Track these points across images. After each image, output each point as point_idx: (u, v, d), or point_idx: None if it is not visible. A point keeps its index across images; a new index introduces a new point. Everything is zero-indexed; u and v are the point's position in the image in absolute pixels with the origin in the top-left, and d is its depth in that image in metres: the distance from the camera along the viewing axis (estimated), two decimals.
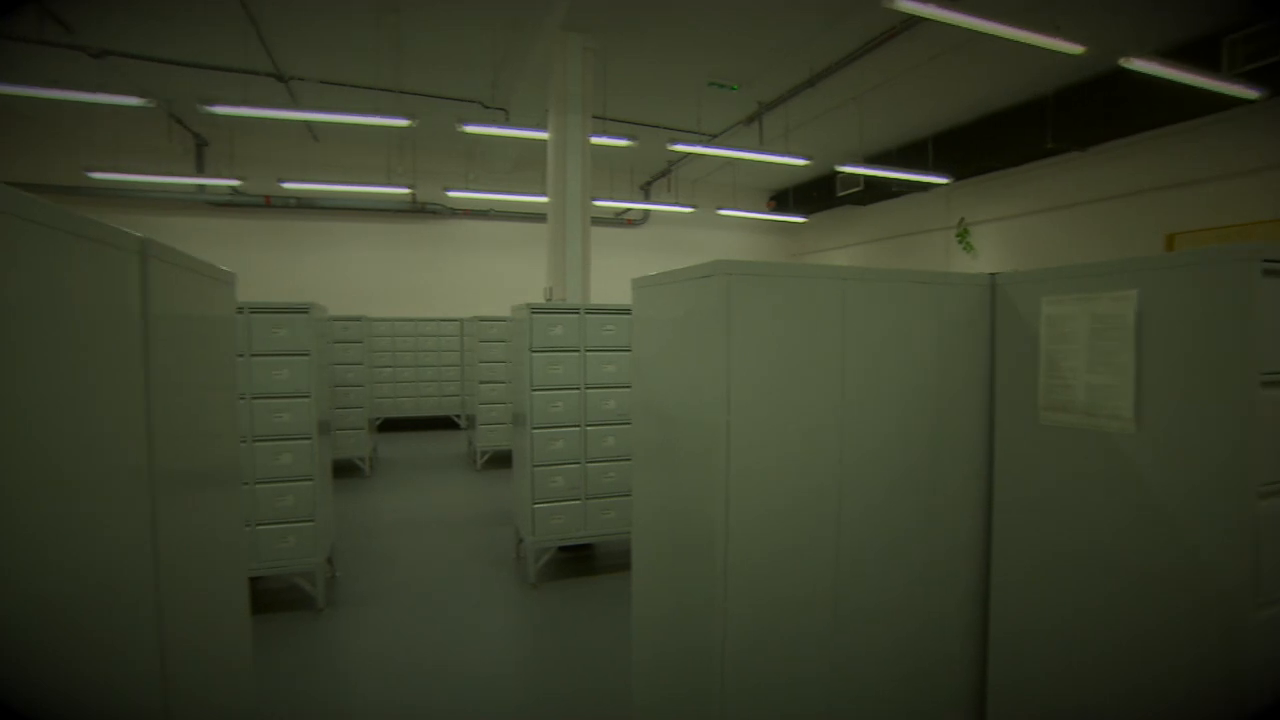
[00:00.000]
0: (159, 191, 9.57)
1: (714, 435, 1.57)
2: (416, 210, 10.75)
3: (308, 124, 9.24)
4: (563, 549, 4.41)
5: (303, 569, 3.49)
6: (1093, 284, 1.54)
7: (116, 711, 1.10)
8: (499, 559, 4.42)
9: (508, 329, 6.80)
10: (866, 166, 8.90)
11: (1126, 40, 5.44)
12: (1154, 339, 1.41)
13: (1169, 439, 1.39)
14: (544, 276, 6.34)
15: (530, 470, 3.83)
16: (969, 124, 8.56)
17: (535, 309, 3.84)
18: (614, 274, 9.49)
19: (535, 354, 3.82)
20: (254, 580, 3.68)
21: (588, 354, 3.94)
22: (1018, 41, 4.68)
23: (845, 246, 12.58)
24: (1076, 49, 4.85)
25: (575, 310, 3.92)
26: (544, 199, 6.43)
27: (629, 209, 12.02)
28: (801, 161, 8.11)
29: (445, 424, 9.77)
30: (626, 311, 4.02)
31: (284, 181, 9.11)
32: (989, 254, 9.57)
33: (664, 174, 11.44)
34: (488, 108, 8.25)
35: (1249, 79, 5.48)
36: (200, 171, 9.61)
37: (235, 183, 9.36)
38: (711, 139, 9.11)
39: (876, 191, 10.09)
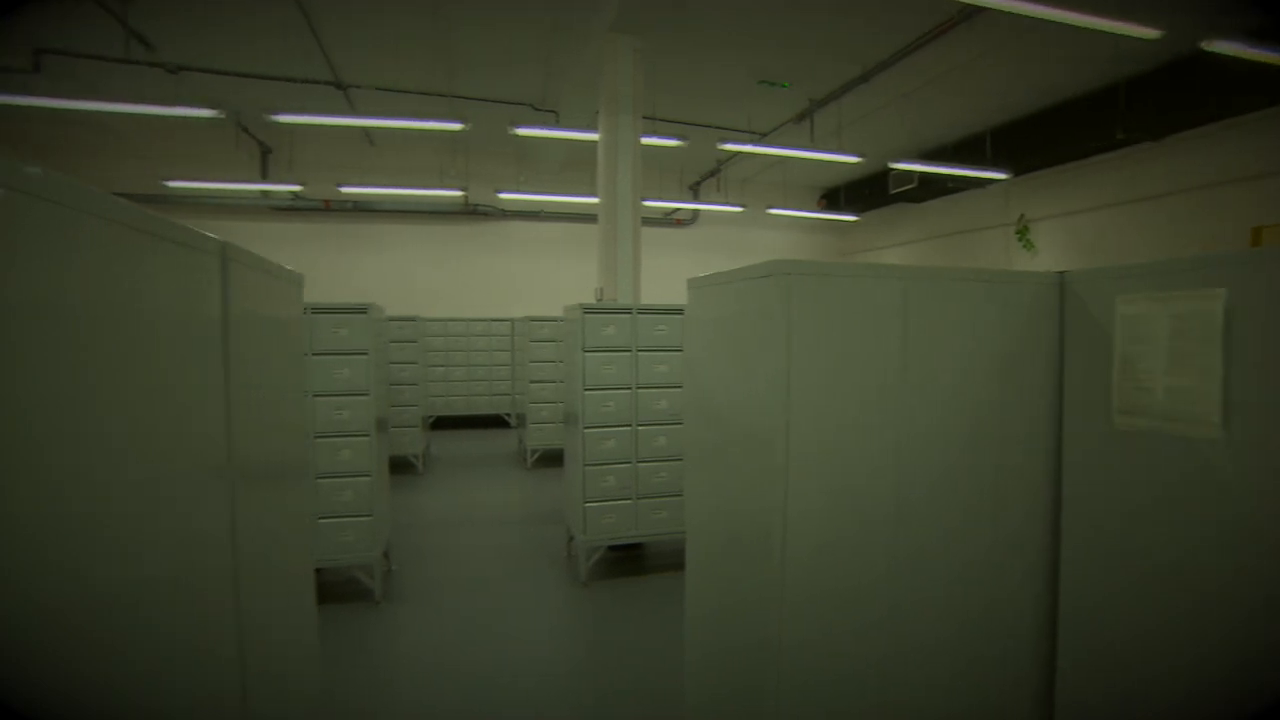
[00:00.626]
0: (227, 197, 10.02)
1: (772, 436, 1.56)
2: (468, 212, 10.97)
3: (364, 130, 9.52)
4: (613, 548, 4.42)
5: (361, 562, 3.60)
6: (1173, 281, 1.47)
7: (200, 690, 1.15)
8: (550, 557, 4.47)
9: (558, 329, 6.87)
10: (921, 163, 8.68)
11: (1204, 22, 5.17)
12: (1241, 339, 1.34)
13: (1258, 444, 1.31)
14: (594, 277, 6.39)
15: (582, 469, 3.86)
16: (1030, 116, 8.25)
17: (588, 309, 3.87)
18: (663, 274, 9.50)
19: (588, 354, 3.85)
20: (316, 571, 3.81)
21: (639, 354, 3.95)
22: (1086, 28, 4.48)
23: (898, 245, 12.30)
24: (1152, 33, 4.62)
25: (627, 310, 3.94)
26: (594, 199, 6.47)
27: (678, 209, 12.01)
28: (853, 159, 7.97)
29: (496, 422, 9.93)
30: (678, 311, 4.02)
31: (342, 186, 9.42)
32: (1050, 252, 9.22)
33: (713, 173, 11.38)
34: (538, 110, 8.36)
35: None
36: (264, 178, 10.01)
37: (296, 188, 9.72)
38: (761, 137, 9.03)
39: (931, 188, 9.83)
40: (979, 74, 7.10)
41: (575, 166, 10.62)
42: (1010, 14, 4.36)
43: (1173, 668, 1.47)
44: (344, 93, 7.79)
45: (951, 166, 8.54)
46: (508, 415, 9.55)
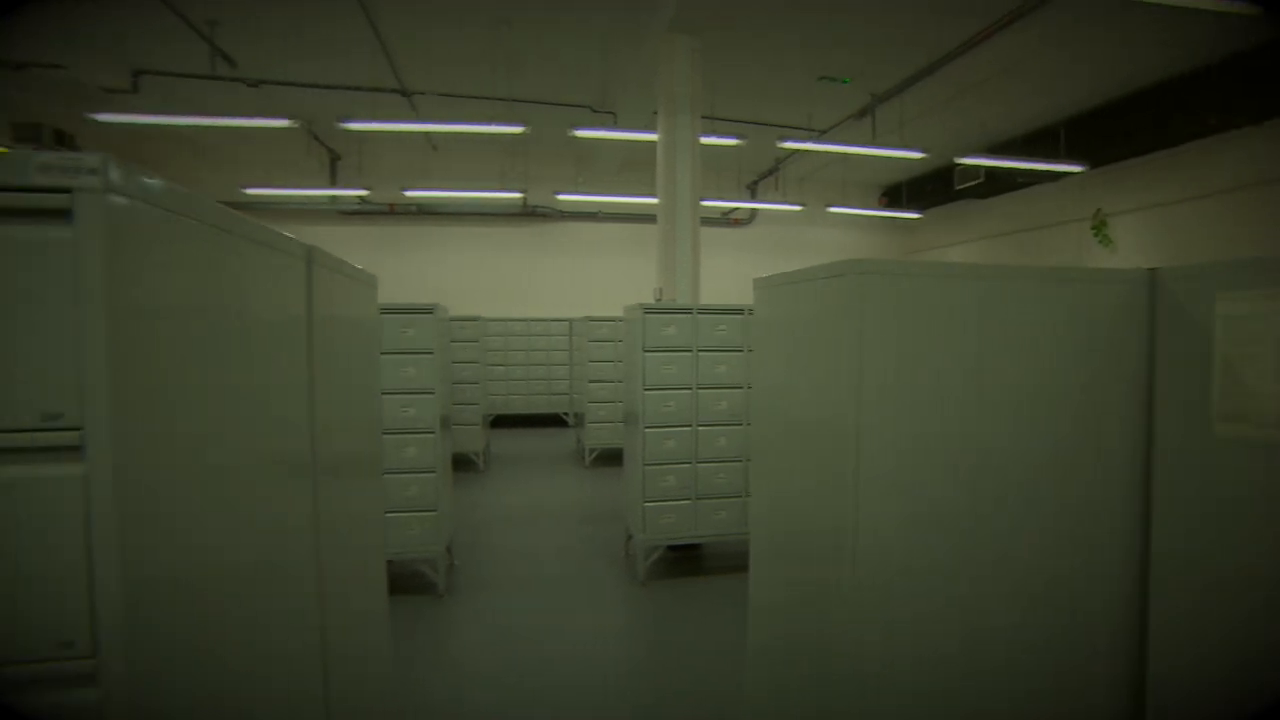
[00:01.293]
0: (299, 203, 10.46)
1: (843, 439, 1.52)
2: (527, 213, 11.15)
3: (427, 135, 9.79)
4: (672, 548, 4.42)
5: (425, 556, 3.69)
6: None
7: (285, 668, 1.20)
8: (608, 555, 4.50)
9: (616, 329, 6.91)
10: (989, 157, 8.37)
11: None
12: None
13: None
14: (651, 277, 6.40)
15: (642, 469, 3.87)
16: (1109, 105, 7.84)
17: (648, 309, 3.88)
18: (721, 274, 9.44)
19: (648, 354, 3.86)
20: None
21: (700, 354, 3.93)
22: (1179, 6, 4.20)
23: (963, 243, 11.90)
24: (1252, 9, 4.31)
25: (688, 310, 3.93)
26: (651, 200, 6.48)
27: (736, 208, 11.91)
28: (917, 155, 7.76)
29: (554, 421, 10.05)
30: (739, 312, 3.99)
31: (406, 190, 9.70)
32: (1130, 247, 8.75)
33: (771, 172, 11.24)
34: (596, 111, 8.42)
35: None
36: (333, 183, 10.42)
37: (364, 192, 10.07)
38: (821, 135, 8.87)
39: (998, 184, 9.47)
40: (1053, 61, 6.80)
41: (633, 167, 10.66)
42: None
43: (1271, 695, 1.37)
44: (409, 99, 8.02)
45: (1022, 160, 8.20)
46: (565, 414, 9.65)
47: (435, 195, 10.34)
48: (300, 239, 1.29)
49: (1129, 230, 8.79)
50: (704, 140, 6.25)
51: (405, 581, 3.95)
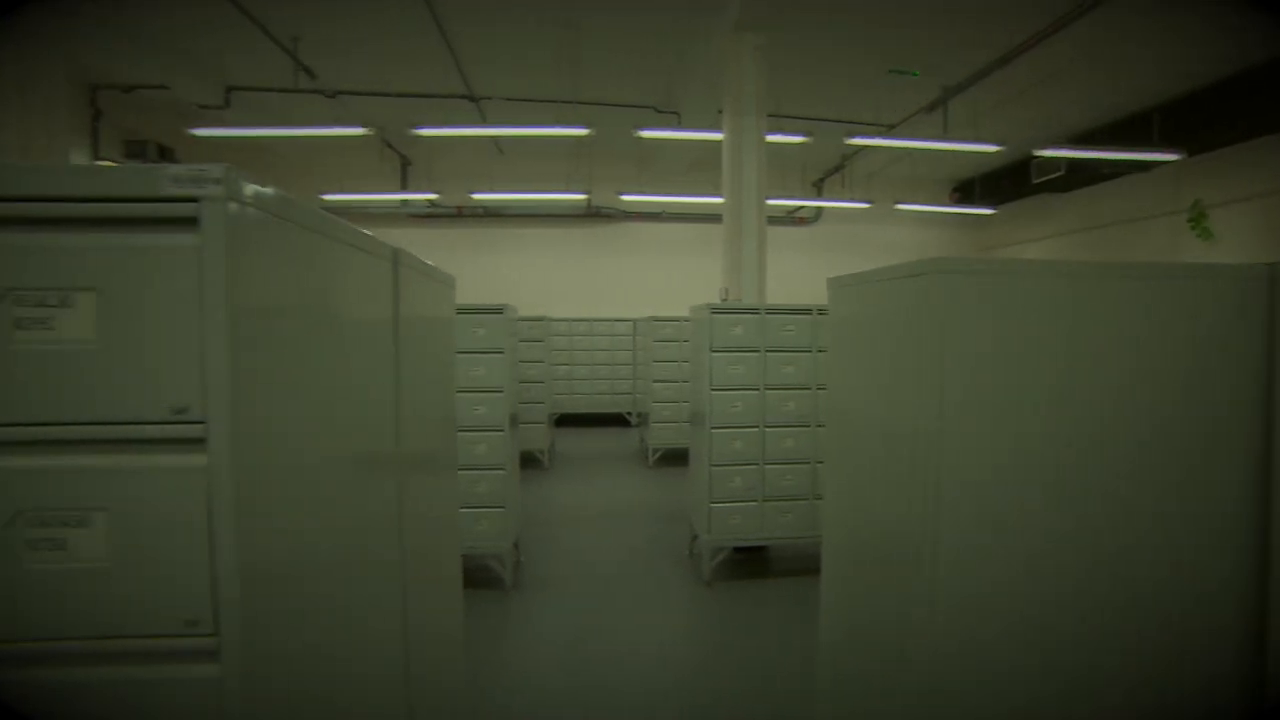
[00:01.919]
0: (373, 207, 10.88)
1: (923, 444, 1.48)
2: (592, 214, 11.28)
3: (494, 139, 10.02)
4: (737, 549, 4.38)
5: (493, 551, 3.78)
6: None
7: (371, 653, 1.25)
8: (672, 555, 4.50)
9: (680, 329, 6.90)
10: (1071, 148, 7.96)
11: None
12: None
13: None
14: (715, 277, 6.37)
15: (708, 469, 3.86)
16: (1209, 87, 7.29)
17: (715, 309, 3.87)
18: (786, 273, 9.30)
19: (715, 354, 3.84)
20: None
21: (768, 354, 3.89)
22: None
23: (1041, 240, 11.37)
24: None
25: (755, 310, 3.89)
26: (716, 199, 6.45)
27: (801, 207, 11.73)
28: (991, 148, 7.46)
29: (617, 421, 10.11)
30: (807, 312, 3.92)
31: (474, 192, 9.96)
32: (1233, 240, 8.16)
33: (837, 169, 11.02)
34: (661, 112, 8.44)
35: None
36: (404, 187, 10.80)
37: (433, 196, 10.39)
38: (889, 130, 8.63)
39: (1080, 176, 8.98)
40: (1143, 44, 6.40)
41: (697, 167, 10.63)
42: None
43: None
44: (477, 105, 8.23)
45: (1109, 151, 7.76)
46: (629, 414, 9.71)
47: (501, 197, 10.58)
48: None
49: (1233, 221, 8.19)
50: (769, 138, 6.18)
51: (474, 575, 4.04)
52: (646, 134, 6.56)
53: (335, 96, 7.58)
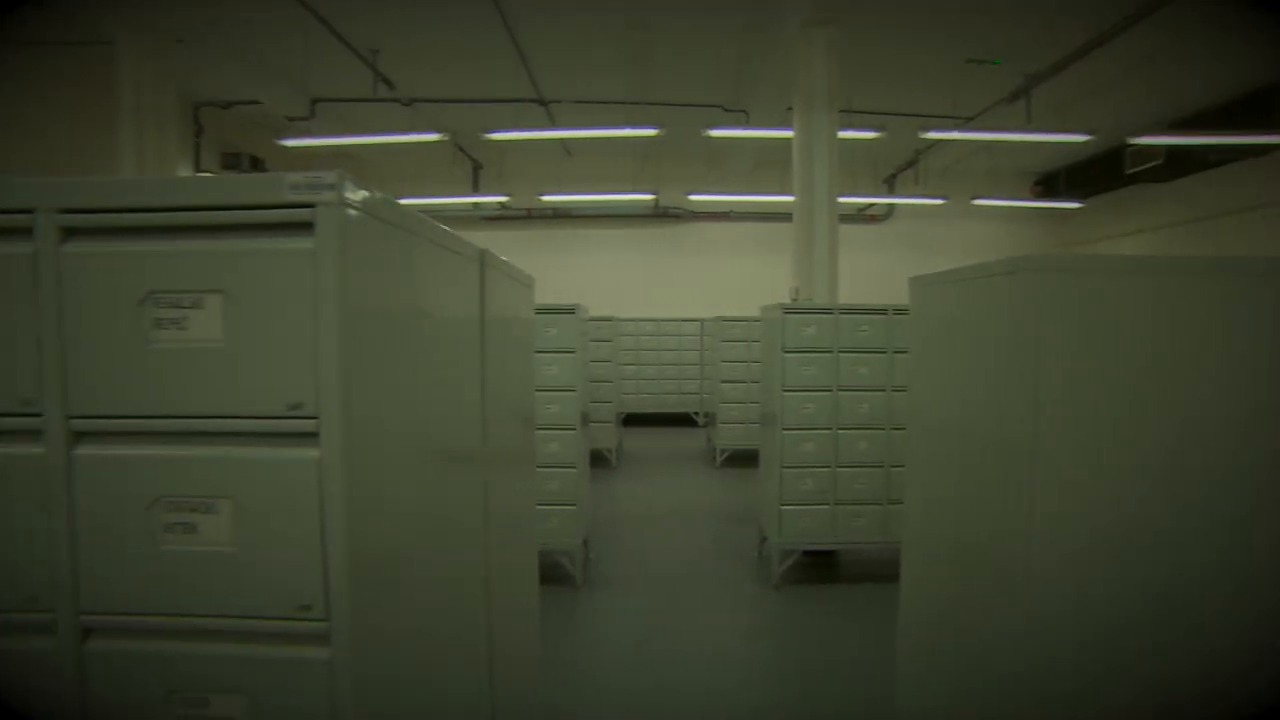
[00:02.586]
0: (446, 210, 11.22)
1: (1015, 448, 1.42)
2: (659, 214, 11.32)
3: (562, 141, 10.17)
4: (807, 553, 4.31)
5: (564, 548, 3.83)
6: None
7: (459, 641, 1.29)
8: (740, 557, 4.46)
9: (749, 329, 6.84)
10: (1172, 134, 7.44)
11: None
12: None
13: None
14: (784, 277, 6.28)
15: (779, 471, 3.81)
16: None
17: (788, 309, 3.82)
18: (857, 272, 9.08)
19: (787, 354, 3.79)
20: None
21: (841, 355, 3.81)
22: None
23: (1135, 233, 10.70)
24: None
25: (829, 310, 3.82)
26: (783, 198, 6.36)
27: (872, 204, 11.43)
28: (1080, 138, 7.07)
29: (684, 421, 10.10)
30: (882, 312, 3.82)
31: (542, 194, 10.15)
32: None
33: (910, 165, 10.68)
34: (729, 110, 8.38)
35: None
36: (475, 190, 11.10)
37: (503, 198, 10.64)
38: (967, 122, 8.31)
39: (1183, 164, 8.37)
40: (1260, 16, 5.92)
41: (765, 165, 10.52)
42: None
43: None
44: (546, 108, 8.38)
45: (1218, 135, 7.16)
46: (695, 414, 9.69)
47: (570, 199, 10.74)
48: None
49: None
50: (841, 134, 6.05)
51: (545, 571, 4.08)
52: (715, 133, 6.53)
53: (411, 104, 7.86)
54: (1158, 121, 8.21)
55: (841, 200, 9.94)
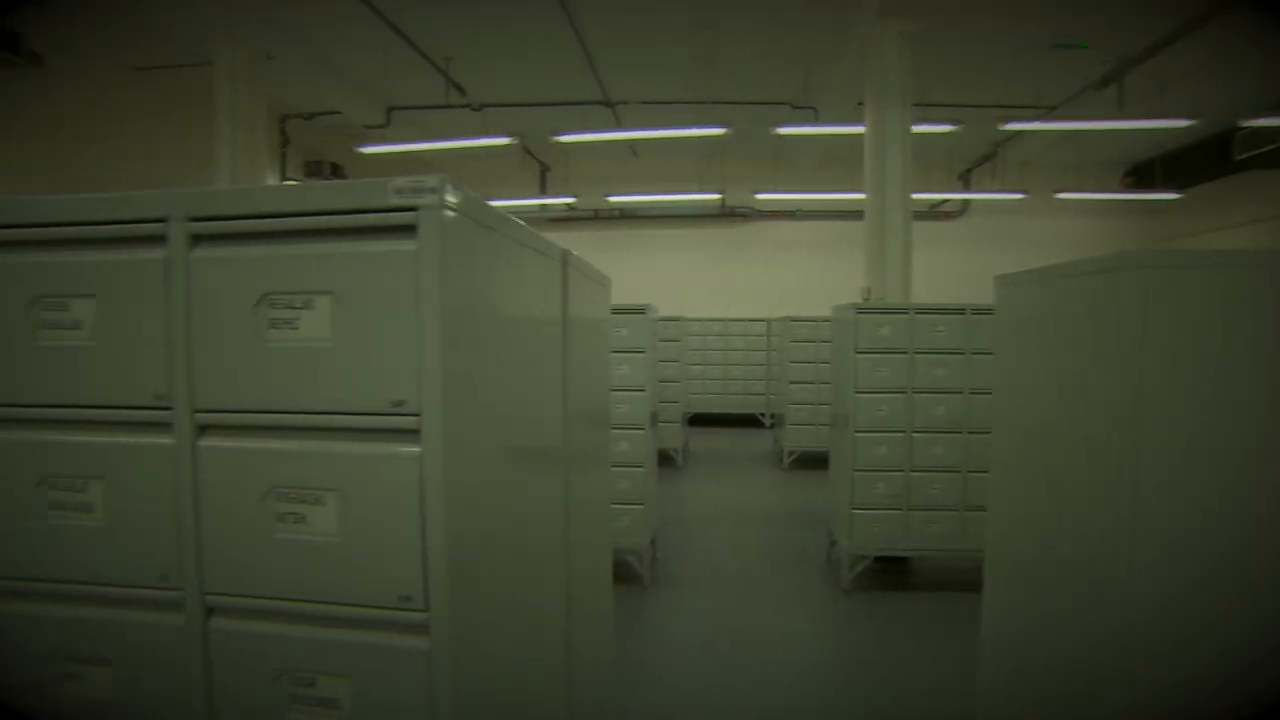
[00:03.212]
0: (514, 212, 11.43)
1: (1118, 456, 1.34)
2: (725, 214, 11.27)
3: (628, 142, 10.23)
4: (878, 559, 4.20)
5: (632, 547, 3.85)
6: None
7: (543, 634, 1.32)
8: (809, 561, 4.39)
9: (817, 329, 6.73)
10: None
11: None
12: None
13: None
14: (851, 276, 6.14)
15: (851, 474, 3.73)
16: None
17: (860, 309, 3.74)
18: (930, 271, 8.78)
19: (860, 355, 3.70)
20: None
21: (916, 356, 3.70)
22: None
23: (1241, 225, 9.94)
24: None
25: (904, 310, 3.72)
26: (853, 195, 6.21)
27: (945, 200, 11.03)
28: (1181, 123, 6.62)
29: (750, 422, 10.00)
30: (960, 311, 3.69)
31: (609, 195, 10.23)
32: None
33: (987, 159, 10.26)
34: (796, 108, 8.25)
35: None
36: (543, 192, 11.29)
37: (570, 200, 10.79)
38: (1050, 111, 7.91)
39: None
40: None
41: (832, 163, 10.31)
42: None
43: None
44: (613, 110, 8.45)
45: None
46: (762, 415, 9.59)
47: (636, 199, 10.81)
48: None
49: None
50: (915, 129, 5.87)
51: (613, 570, 4.14)
52: (784, 131, 6.44)
53: (481, 109, 8.07)
54: (1270, 103, 7.59)
55: (915, 197, 9.66)
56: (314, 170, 9.41)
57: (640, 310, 3.75)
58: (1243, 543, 1.32)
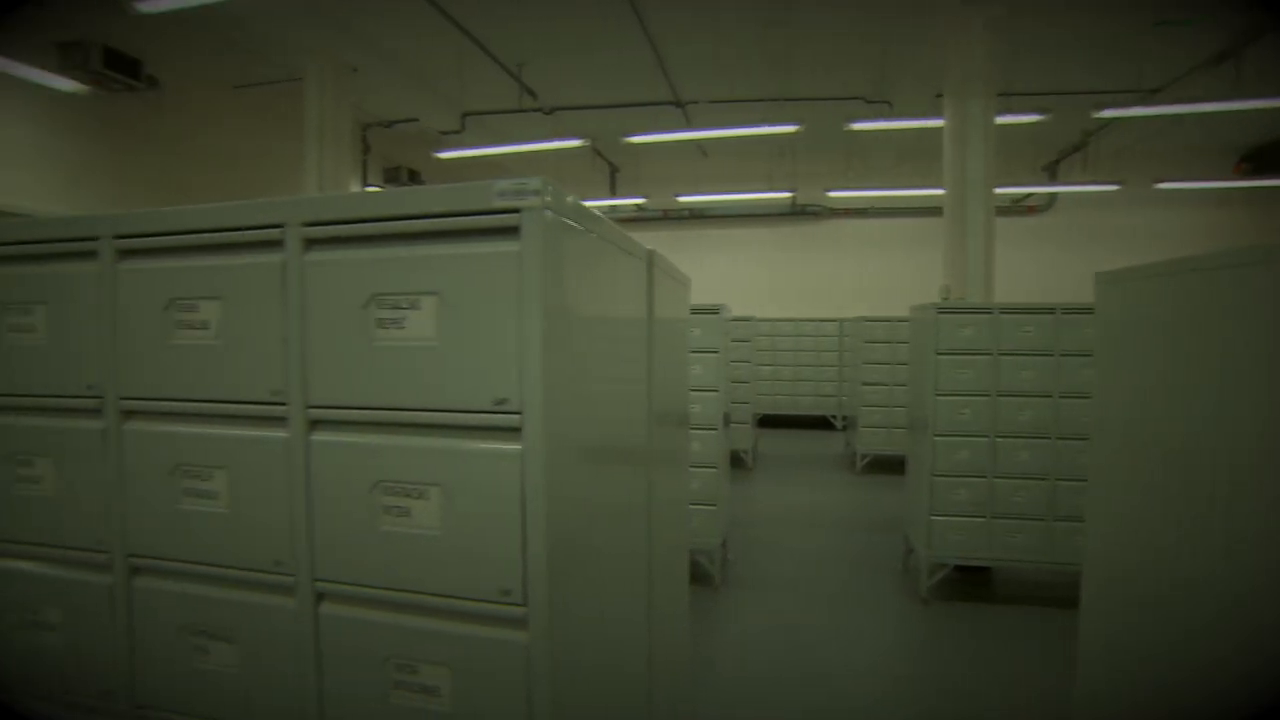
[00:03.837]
0: None
1: (1250, 475, 1.24)
2: (796, 213, 11.10)
3: (697, 142, 10.20)
4: (958, 568, 4.05)
5: (703, 548, 3.83)
6: None
7: (627, 630, 1.32)
8: (883, 568, 4.26)
9: (893, 329, 6.54)
10: None
11: None
12: None
13: None
14: (926, 274, 5.94)
15: (929, 479, 3.60)
16: None
17: (941, 309, 3.61)
18: (1012, 269, 8.40)
19: (940, 356, 3.57)
20: None
21: (1001, 358, 3.54)
22: None
23: None
24: None
25: (988, 310, 3.56)
26: (928, 191, 5.99)
27: (1029, 194, 10.51)
28: None
29: (820, 424, 9.81)
30: (1049, 311, 3.51)
31: (679, 195, 10.22)
32: None
33: (1078, 148, 9.70)
34: (870, 102, 8.04)
35: None
36: (612, 193, 11.38)
37: (640, 200, 10.84)
38: (1152, 95, 7.41)
39: None
40: None
41: (908, 158, 9.99)
42: None
43: None
44: (682, 110, 8.43)
45: None
46: (833, 417, 9.39)
47: (706, 199, 10.77)
48: None
49: None
50: (998, 120, 5.62)
51: None
52: (857, 126, 6.28)
53: (553, 113, 8.20)
54: None
55: (997, 191, 9.25)
56: (392, 176, 9.78)
57: (714, 310, 3.74)
58: None
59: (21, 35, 5.12)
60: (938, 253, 5.85)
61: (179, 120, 6.84)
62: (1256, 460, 1.23)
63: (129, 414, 1.07)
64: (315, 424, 0.96)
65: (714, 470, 3.77)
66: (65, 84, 5.41)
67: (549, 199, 0.85)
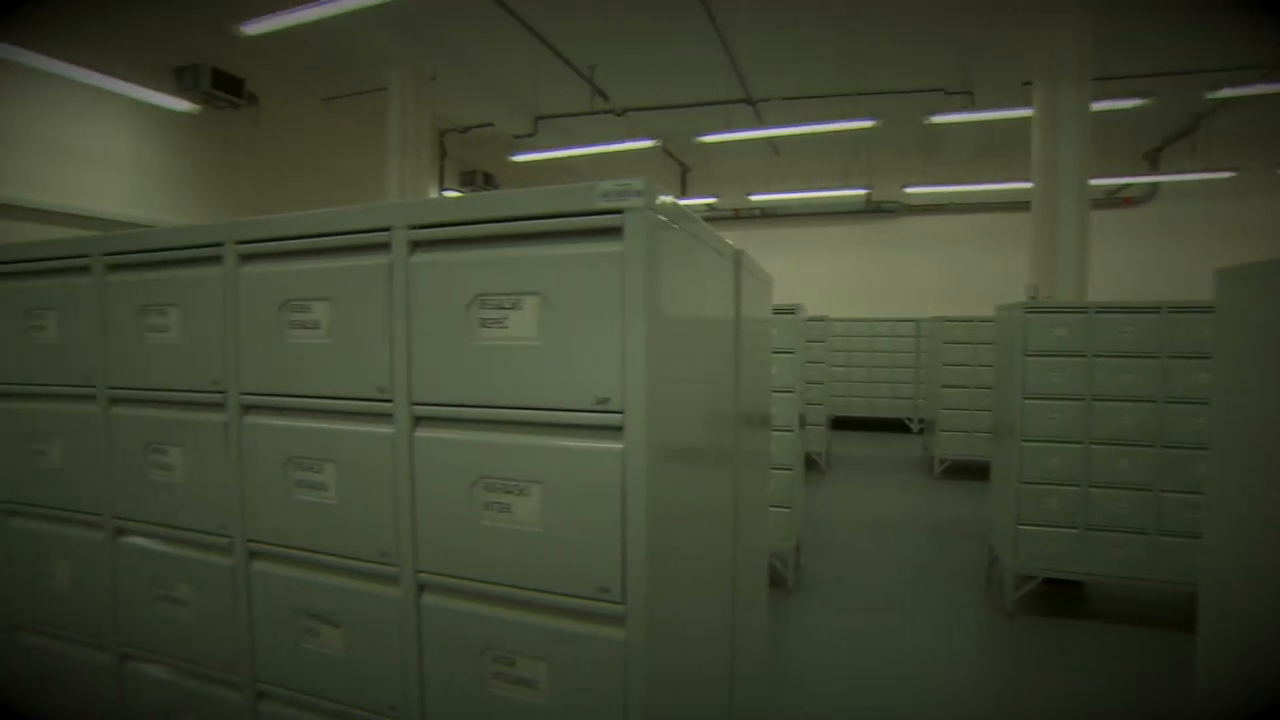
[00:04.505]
0: None
1: None
2: (871, 210, 10.81)
3: (769, 140, 10.06)
4: (1047, 581, 3.85)
5: (777, 550, 3.77)
6: None
7: (712, 631, 1.32)
8: (965, 577, 4.10)
9: (973, 330, 6.29)
10: None
11: None
12: None
13: None
14: (1009, 272, 5.67)
15: (1016, 486, 3.44)
16: None
17: (1030, 308, 3.43)
18: (1105, 265, 7.92)
19: (1029, 358, 3.40)
20: None
21: (1096, 360, 3.35)
22: None
23: None
24: None
25: (1083, 309, 3.37)
26: (1011, 185, 5.71)
27: (1127, 185, 9.87)
28: None
29: (896, 426, 9.52)
30: (1154, 310, 3.29)
31: (750, 194, 10.11)
32: None
33: (1185, 134, 9.03)
34: (950, 94, 7.73)
35: None
36: (683, 193, 11.36)
37: (712, 200, 10.79)
38: (1273, 71, 6.82)
39: None
40: None
41: (989, 151, 9.57)
42: None
43: None
44: (754, 108, 8.34)
45: None
46: (909, 419, 9.10)
47: (778, 198, 10.62)
48: None
49: None
50: (1094, 106, 5.31)
51: None
52: (938, 119, 6.05)
53: (624, 114, 8.25)
54: None
55: (1092, 183, 8.75)
56: (468, 180, 10.06)
57: (791, 310, 3.68)
58: None
59: (143, 61, 5.62)
60: (1018, 250, 5.60)
61: (274, 133, 7.29)
62: None
63: (248, 408, 1.14)
64: (419, 420, 1.00)
65: (789, 471, 3.71)
66: (180, 105, 5.93)
67: (652, 199, 0.85)
